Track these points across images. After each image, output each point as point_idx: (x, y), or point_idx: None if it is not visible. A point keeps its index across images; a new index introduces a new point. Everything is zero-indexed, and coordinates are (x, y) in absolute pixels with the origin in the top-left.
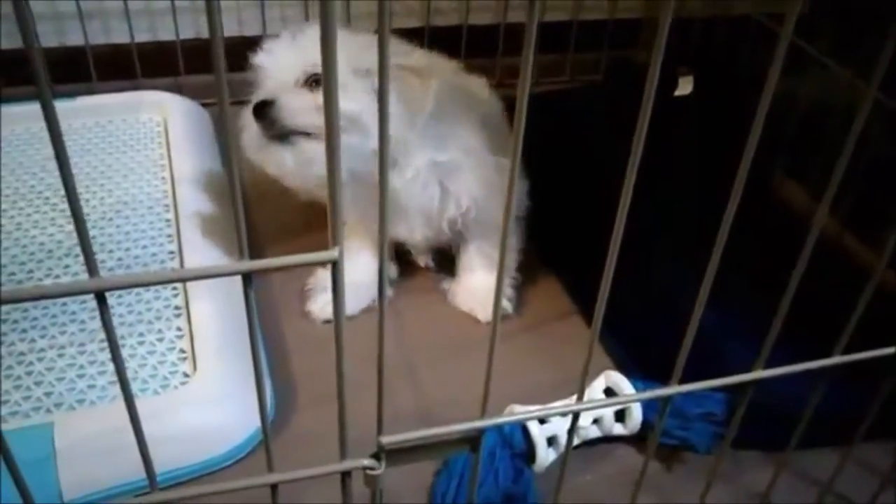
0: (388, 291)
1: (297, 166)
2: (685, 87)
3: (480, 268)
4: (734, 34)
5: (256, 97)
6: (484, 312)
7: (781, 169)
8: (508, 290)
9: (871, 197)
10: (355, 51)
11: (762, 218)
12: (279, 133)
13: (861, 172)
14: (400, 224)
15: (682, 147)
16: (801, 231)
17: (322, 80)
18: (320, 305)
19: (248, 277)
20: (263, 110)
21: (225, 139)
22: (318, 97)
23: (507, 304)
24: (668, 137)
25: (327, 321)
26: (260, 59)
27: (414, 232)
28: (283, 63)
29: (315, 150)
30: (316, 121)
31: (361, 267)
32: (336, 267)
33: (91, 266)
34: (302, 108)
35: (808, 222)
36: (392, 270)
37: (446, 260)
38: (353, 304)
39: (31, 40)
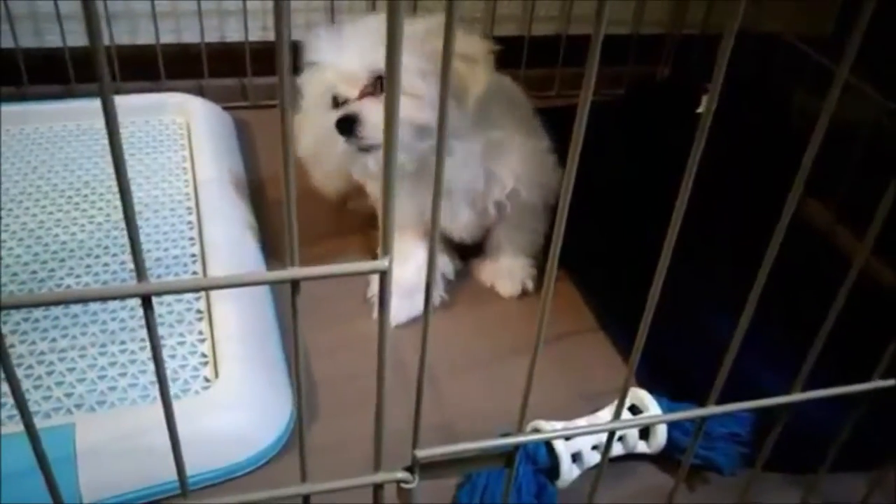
0: (443, 293)
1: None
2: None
3: (507, 252)
4: (761, 52)
5: (319, 96)
6: (508, 288)
7: (804, 188)
8: (532, 270)
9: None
10: (417, 48)
11: (785, 236)
12: (365, 146)
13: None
14: (444, 210)
15: (706, 165)
16: (825, 250)
17: (385, 102)
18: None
19: (296, 285)
20: (348, 125)
21: (283, 144)
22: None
23: (528, 283)
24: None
25: (398, 326)
26: (324, 55)
27: (457, 216)
28: (348, 62)
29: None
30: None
31: (415, 269)
32: (385, 277)
33: (140, 270)
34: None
35: (831, 241)
36: (449, 267)
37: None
38: (408, 311)
39: (98, 42)
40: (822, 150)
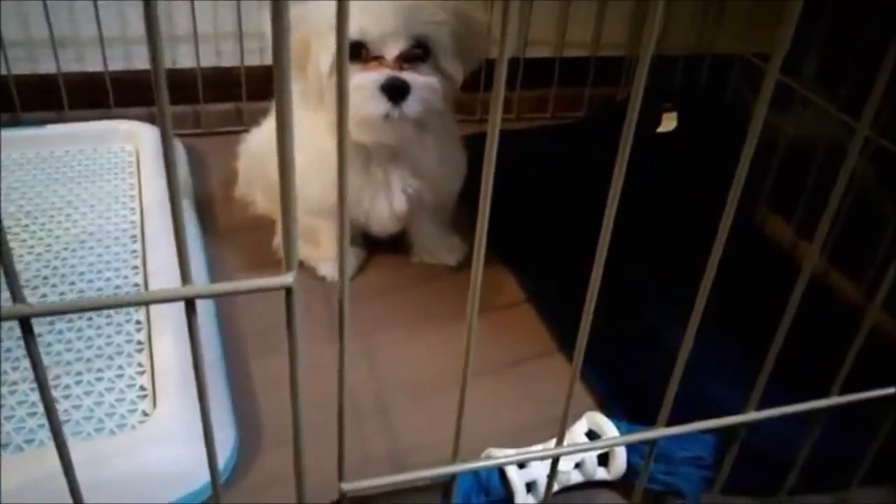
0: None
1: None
2: (668, 123)
3: (433, 228)
4: (718, 71)
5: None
6: (454, 258)
7: (766, 204)
8: (463, 243)
9: (856, 232)
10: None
11: (746, 253)
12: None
13: (846, 207)
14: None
15: (666, 183)
16: (787, 267)
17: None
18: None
19: (191, 304)
20: (397, 92)
21: (165, 162)
22: (428, 74)
23: (465, 249)
24: (650, 174)
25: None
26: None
27: (388, 212)
28: (389, 17)
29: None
30: (437, 105)
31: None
32: (290, 294)
33: (15, 291)
34: (431, 97)
35: (793, 258)
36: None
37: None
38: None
39: None
40: (784, 169)
